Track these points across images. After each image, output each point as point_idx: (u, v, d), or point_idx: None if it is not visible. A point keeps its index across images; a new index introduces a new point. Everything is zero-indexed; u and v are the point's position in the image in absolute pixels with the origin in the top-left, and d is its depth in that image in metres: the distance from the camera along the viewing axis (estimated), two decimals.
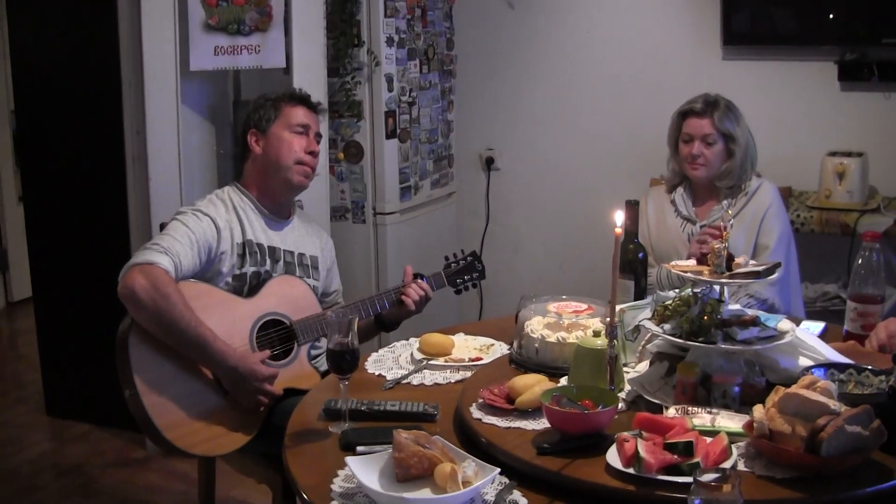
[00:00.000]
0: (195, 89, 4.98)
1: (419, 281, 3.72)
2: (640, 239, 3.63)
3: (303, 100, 3.73)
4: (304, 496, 2.36)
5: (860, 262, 3.25)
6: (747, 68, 5.57)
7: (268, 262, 3.60)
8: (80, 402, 5.68)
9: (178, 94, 4.77)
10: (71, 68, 5.39)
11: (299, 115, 3.67)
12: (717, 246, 2.73)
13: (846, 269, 5.03)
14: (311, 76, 5.09)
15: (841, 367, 2.69)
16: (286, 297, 3.55)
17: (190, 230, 3.40)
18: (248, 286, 3.54)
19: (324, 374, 3.52)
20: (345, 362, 2.72)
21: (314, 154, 3.69)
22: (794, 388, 2.32)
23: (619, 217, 2.63)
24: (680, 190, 4.32)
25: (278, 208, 3.72)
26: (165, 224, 3.52)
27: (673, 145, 4.32)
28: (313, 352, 3.61)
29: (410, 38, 5.69)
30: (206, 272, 3.46)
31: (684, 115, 4.25)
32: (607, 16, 6.02)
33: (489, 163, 6.41)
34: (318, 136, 3.76)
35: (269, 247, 3.63)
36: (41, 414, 5.83)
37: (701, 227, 4.12)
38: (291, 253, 3.70)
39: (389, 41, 5.47)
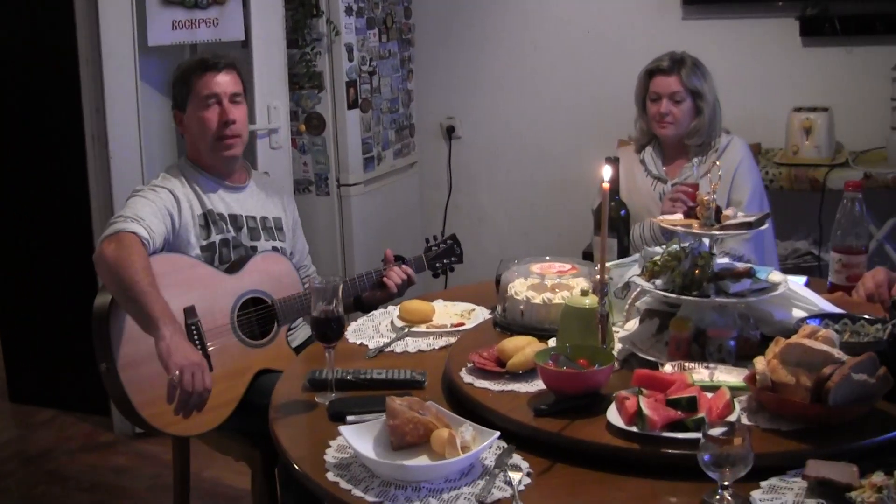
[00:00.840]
0: (153, 65, 4.88)
1: (403, 266, 3.66)
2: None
3: (206, 65, 3.55)
4: (297, 468, 2.29)
5: (842, 213, 3.21)
6: (708, 27, 5.54)
7: (231, 229, 3.54)
8: (44, 388, 5.59)
9: (137, 71, 4.70)
10: (26, 46, 5.27)
11: (207, 83, 3.52)
12: (706, 198, 2.68)
13: (817, 225, 5.02)
14: (270, 48, 5.03)
15: (835, 318, 2.65)
16: (269, 275, 3.48)
17: (151, 201, 3.35)
18: (219, 255, 3.49)
19: (297, 351, 3.47)
20: (330, 330, 2.66)
21: (230, 122, 3.53)
22: (795, 338, 2.28)
23: (607, 172, 2.56)
24: (649, 149, 4.28)
25: (229, 175, 3.64)
26: None
27: (640, 104, 4.28)
28: (289, 332, 3.55)
29: (368, 7, 5.61)
30: (176, 244, 3.40)
31: (651, 73, 4.21)
32: None
33: (450, 132, 6.35)
34: (236, 95, 3.57)
35: (229, 215, 3.56)
36: (4, 400, 5.71)
37: (672, 185, 4.08)
38: (254, 218, 3.63)
39: (348, 10, 5.38)
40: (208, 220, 3.49)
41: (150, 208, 3.31)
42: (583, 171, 5.24)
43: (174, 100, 3.60)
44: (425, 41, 6.32)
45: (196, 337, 3.18)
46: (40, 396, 5.60)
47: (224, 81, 3.55)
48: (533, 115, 6.16)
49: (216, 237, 3.49)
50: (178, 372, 2.86)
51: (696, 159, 4.09)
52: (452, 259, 3.84)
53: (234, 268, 3.44)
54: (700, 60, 4.20)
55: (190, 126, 3.57)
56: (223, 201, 3.57)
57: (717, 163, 3.70)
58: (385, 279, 3.61)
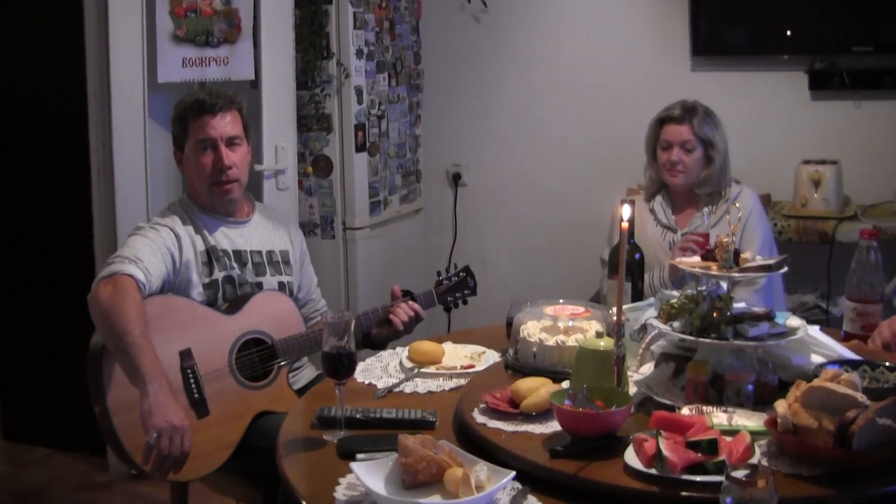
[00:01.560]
0: (161, 102, 4.85)
1: (410, 302, 3.58)
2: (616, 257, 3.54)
3: (202, 107, 3.46)
4: None
5: (857, 261, 3.19)
6: (717, 79, 5.53)
7: (235, 266, 3.49)
8: (40, 426, 5.52)
9: (146, 106, 4.68)
10: (36, 79, 5.28)
11: (203, 127, 3.44)
12: (725, 240, 2.65)
13: (825, 278, 4.99)
14: (279, 89, 5.01)
15: (854, 364, 2.61)
16: (270, 314, 3.42)
17: (150, 240, 3.30)
18: (222, 292, 3.43)
19: (300, 393, 3.41)
20: (341, 365, 2.62)
21: (226, 168, 3.46)
22: (818, 382, 2.24)
23: (626, 211, 2.53)
24: (658, 198, 4.26)
25: (229, 212, 3.58)
26: None
27: (651, 153, 4.26)
28: (291, 372, 3.50)
29: (379, 51, 5.60)
30: (178, 283, 3.35)
31: (662, 121, 4.20)
32: (575, 28, 5.97)
33: (456, 178, 6.33)
34: (235, 138, 3.50)
35: (233, 251, 3.51)
36: None
37: (682, 234, 4.06)
38: (259, 252, 3.58)
39: (359, 53, 5.37)
40: (211, 256, 3.44)
41: (149, 248, 3.26)
42: (590, 220, 5.26)
43: (173, 139, 3.56)
44: (434, 87, 6.32)
45: (192, 381, 3.14)
46: (35, 435, 5.54)
47: (221, 125, 3.47)
48: (540, 164, 6.15)
49: (219, 274, 3.44)
50: (155, 434, 2.80)
51: (706, 209, 4.08)
52: (465, 292, 3.74)
53: (233, 308, 3.38)
54: (711, 109, 4.18)
55: (187, 167, 3.53)
56: (226, 237, 3.52)
57: (737, 204, 3.67)
58: (391, 315, 3.54)
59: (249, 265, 3.53)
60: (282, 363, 3.35)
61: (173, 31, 4.62)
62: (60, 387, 5.28)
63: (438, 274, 3.77)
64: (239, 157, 3.51)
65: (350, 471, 2.26)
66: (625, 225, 2.52)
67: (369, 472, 2.24)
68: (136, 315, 3.01)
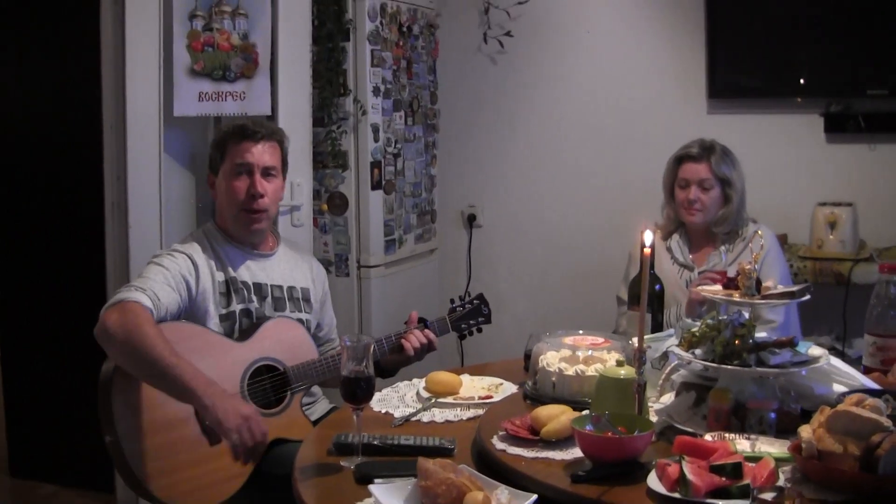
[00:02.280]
0: (176, 136, 4.86)
1: (424, 330, 3.55)
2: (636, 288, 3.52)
3: (244, 132, 3.47)
4: None
5: (877, 295, 3.16)
6: (732, 121, 5.54)
7: (255, 299, 3.46)
8: (47, 462, 5.47)
9: (161, 140, 4.66)
10: (52, 112, 5.27)
11: (241, 152, 3.45)
12: (747, 267, 2.64)
13: (840, 321, 4.96)
14: (296, 124, 5.00)
15: (877, 394, 2.58)
16: (281, 342, 3.40)
17: (165, 268, 3.27)
18: (238, 325, 3.41)
19: (315, 423, 3.38)
20: (360, 390, 2.60)
21: (258, 196, 3.45)
22: (842, 407, 2.22)
23: (649, 237, 2.52)
24: (676, 237, 4.26)
25: (254, 244, 3.56)
26: None
27: (668, 191, 4.26)
28: (306, 399, 3.47)
29: (396, 89, 5.62)
30: (193, 313, 3.32)
31: (680, 160, 4.20)
32: (591, 70, 6.00)
33: (471, 220, 6.33)
34: (271, 169, 3.49)
35: (254, 283, 3.48)
36: (4, 475, 5.58)
37: (700, 273, 4.04)
38: (280, 287, 3.55)
39: (376, 91, 5.39)
40: (230, 287, 3.41)
41: (162, 276, 3.23)
42: (606, 261, 5.23)
43: (210, 161, 3.54)
44: (450, 127, 6.34)
45: None
46: (42, 471, 5.48)
47: (259, 152, 3.46)
48: (555, 205, 6.16)
49: (237, 306, 3.41)
50: (236, 436, 2.93)
51: (723, 247, 4.08)
52: (480, 320, 3.72)
53: (245, 335, 3.36)
54: (729, 148, 4.18)
55: (219, 191, 3.51)
56: (248, 269, 3.50)
57: (759, 232, 3.65)
58: (404, 340, 3.50)
59: (269, 299, 3.50)
60: (295, 390, 3.32)
61: (190, 66, 4.62)
62: (67, 423, 5.24)
63: (452, 301, 3.75)
64: (272, 188, 3.49)
65: (368, 495, 2.25)
66: (647, 251, 2.50)
67: (389, 495, 2.22)
68: (156, 336, 3.00)
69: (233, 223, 3.50)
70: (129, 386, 3.04)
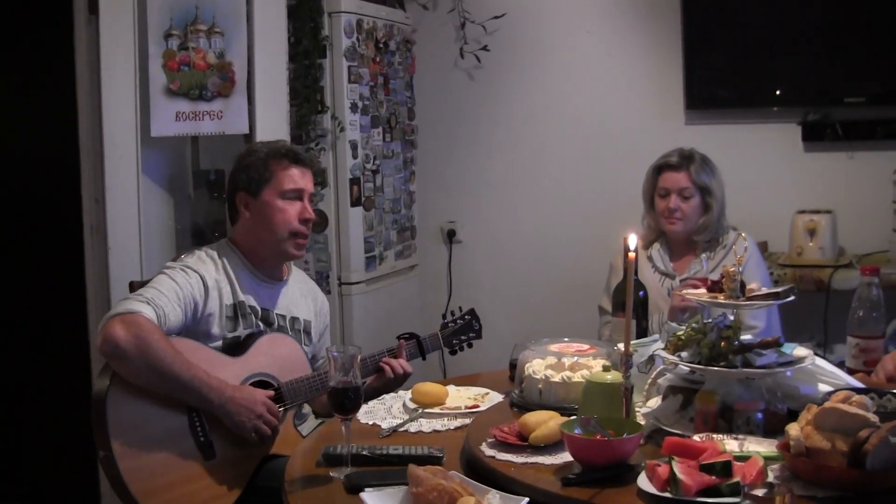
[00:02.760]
0: (153, 158, 4.81)
1: (402, 361, 3.52)
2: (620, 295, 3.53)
3: (296, 158, 3.47)
4: None
5: (859, 298, 3.19)
6: (711, 132, 5.56)
7: (261, 325, 3.43)
8: (34, 490, 5.41)
9: (139, 162, 4.62)
10: (27, 134, 5.23)
11: (293, 178, 3.44)
12: (731, 269, 2.65)
13: (821, 327, 4.98)
14: None
15: (862, 392, 2.60)
16: (276, 358, 3.37)
17: (177, 285, 3.23)
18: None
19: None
20: (348, 400, 2.59)
21: (310, 220, 3.49)
22: (829, 404, 2.23)
23: (633, 240, 2.53)
24: (657, 246, 4.27)
25: (271, 270, 3.54)
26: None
27: (648, 201, 4.28)
28: (296, 420, 3.46)
29: (374, 106, 5.62)
30: (194, 333, 3.28)
31: (660, 169, 4.22)
32: (568, 85, 6.02)
33: (451, 235, 6.33)
34: (313, 196, 3.55)
35: (261, 308, 3.45)
36: None
37: (681, 280, 4.06)
38: (283, 317, 3.52)
39: (353, 107, 5.39)
40: (237, 311, 3.38)
41: (173, 293, 3.19)
42: (587, 275, 5.23)
43: (243, 182, 3.46)
44: (428, 143, 6.34)
45: (198, 424, 3.11)
46: (29, 499, 5.42)
47: (306, 179, 3.48)
48: (535, 219, 6.17)
49: (243, 332, 3.38)
50: (254, 434, 3.09)
51: (704, 255, 4.09)
52: (471, 335, 3.76)
53: (238, 350, 3.33)
54: (708, 157, 4.20)
55: (260, 214, 3.44)
56: (257, 295, 3.46)
57: (742, 235, 3.67)
58: (384, 363, 3.48)
59: (275, 326, 3.48)
60: (288, 406, 3.31)
61: (167, 85, 4.59)
62: (54, 449, 5.20)
63: (444, 317, 3.77)
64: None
65: (362, 501, 2.23)
66: (632, 255, 2.51)
67: (380, 503, 2.21)
68: (170, 350, 3.02)
69: (271, 247, 3.47)
70: (125, 401, 3.02)
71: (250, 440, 3.10)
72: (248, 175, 3.45)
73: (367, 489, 2.39)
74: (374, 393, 3.45)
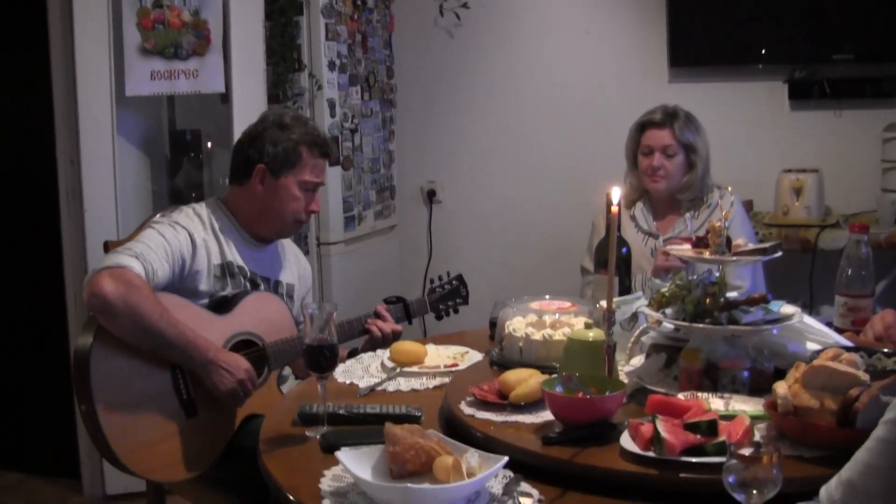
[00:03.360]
0: (129, 118, 4.77)
1: (390, 323, 3.52)
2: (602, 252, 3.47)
3: (326, 152, 3.45)
4: (291, 497, 2.15)
5: (847, 256, 3.12)
6: (695, 90, 5.49)
7: (248, 286, 3.38)
8: (12, 451, 5.36)
9: (114, 123, 4.59)
10: (0, 96, 5.16)
11: (318, 171, 3.42)
12: (717, 224, 2.59)
13: (807, 288, 4.94)
14: (251, 102, 4.88)
15: (852, 351, 2.54)
16: (261, 317, 3.32)
17: (165, 240, 3.16)
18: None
19: None
20: (323, 358, 2.53)
21: (315, 213, 3.54)
22: (818, 362, 2.17)
23: (617, 193, 2.45)
24: (639, 205, 4.22)
25: (259, 235, 3.48)
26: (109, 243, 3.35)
27: (631, 159, 4.22)
28: (280, 380, 3.41)
29: (352, 64, 5.54)
30: (181, 290, 3.21)
31: (643, 126, 4.16)
32: (550, 42, 5.94)
33: (431, 195, 6.26)
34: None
35: (249, 270, 3.40)
36: None
37: (665, 240, 4.00)
38: (268, 280, 3.48)
39: (331, 65, 5.31)
40: (226, 271, 3.32)
41: (162, 248, 3.13)
42: (568, 234, 5.17)
43: (268, 156, 3.36)
44: (407, 102, 6.26)
45: (181, 381, 3.06)
46: (7, 460, 5.37)
47: (326, 172, 3.51)
48: (516, 179, 6.09)
49: (231, 292, 3.32)
50: (242, 394, 3.07)
51: (688, 214, 4.04)
52: (458, 301, 3.74)
53: (224, 308, 3.27)
54: (693, 115, 4.13)
55: (274, 194, 3.38)
56: (242, 256, 3.40)
57: (729, 188, 3.61)
58: (370, 325, 3.47)
59: (261, 289, 3.43)
60: (272, 366, 3.26)
61: (141, 44, 4.52)
62: (33, 410, 5.16)
63: (431, 282, 3.75)
64: None
65: (335, 463, 2.17)
66: (615, 209, 2.44)
67: (356, 461, 2.15)
68: (157, 306, 2.97)
69: (272, 225, 3.45)
70: (108, 357, 2.97)
71: (223, 401, 3.07)
72: (276, 151, 3.36)
73: (343, 448, 2.33)
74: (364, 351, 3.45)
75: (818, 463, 2.06)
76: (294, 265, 3.65)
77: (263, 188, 3.38)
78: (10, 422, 5.35)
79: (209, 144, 5.13)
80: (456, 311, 3.74)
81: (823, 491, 1.78)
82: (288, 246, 3.69)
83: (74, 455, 4.85)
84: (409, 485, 2.01)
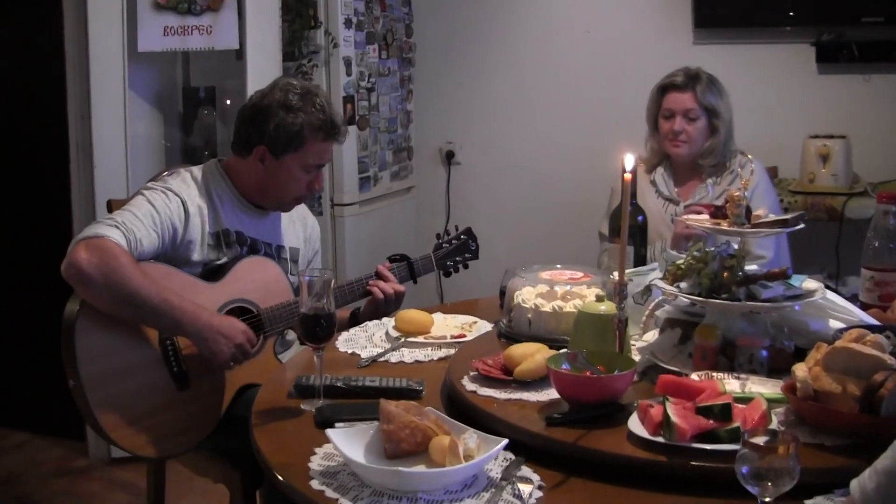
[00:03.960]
0: (142, 74, 4.73)
1: (391, 283, 3.38)
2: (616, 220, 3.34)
3: (332, 133, 3.25)
4: (279, 476, 2.04)
5: (875, 227, 2.98)
6: (720, 52, 5.36)
7: (246, 251, 3.27)
8: (17, 410, 5.34)
9: (126, 78, 4.51)
10: (11, 49, 5.09)
11: (321, 154, 3.26)
12: (736, 194, 2.45)
13: (833, 258, 4.82)
14: (265, 60, 4.83)
15: (877, 331, 2.40)
16: (256, 282, 3.19)
17: (154, 208, 3.04)
18: None
19: None
20: (320, 328, 2.42)
21: (318, 192, 3.45)
22: (841, 343, 2.04)
23: (630, 161, 2.33)
24: (660, 170, 4.11)
25: (260, 206, 3.36)
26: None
27: (652, 122, 4.11)
28: (279, 348, 3.29)
29: (369, 22, 5.46)
30: (174, 259, 3.11)
31: (664, 89, 4.05)
32: (572, 2, 5.84)
33: (449, 157, 6.17)
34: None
35: (249, 236, 3.29)
36: None
37: (685, 206, 3.87)
38: (269, 245, 3.36)
39: (347, 23, 5.24)
40: (221, 240, 3.21)
41: (149, 217, 3.01)
42: (588, 199, 5.07)
43: (268, 136, 3.20)
44: (426, 62, 6.18)
45: (171, 354, 2.98)
46: (13, 419, 5.35)
47: (331, 152, 3.35)
48: (536, 141, 6.00)
49: (225, 260, 3.21)
50: (232, 363, 2.96)
51: (710, 180, 3.93)
52: (466, 255, 3.60)
53: (216, 275, 3.15)
54: (715, 77, 4.00)
55: (274, 173, 3.24)
56: (241, 223, 3.29)
57: (749, 156, 3.48)
58: (371, 286, 3.35)
59: (262, 254, 3.32)
60: (268, 333, 3.15)
61: None
62: (38, 370, 5.07)
63: (438, 237, 3.60)
64: None
65: (327, 441, 2.06)
66: (627, 176, 2.32)
67: (347, 440, 2.04)
68: (137, 274, 2.84)
69: (272, 199, 3.32)
70: (94, 328, 2.88)
71: (223, 369, 2.98)
72: (277, 133, 3.20)
73: (337, 424, 2.23)
74: (370, 319, 3.33)
75: (839, 452, 1.95)
76: (300, 228, 3.53)
77: (263, 166, 3.25)
78: (16, 381, 5.32)
79: (228, 102, 5.07)
80: (465, 267, 3.61)
81: (855, 483, 1.67)
82: (295, 210, 3.53)
83: (80, 417, 4.78)
84: (400, 468, 1.91)
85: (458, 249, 3.59)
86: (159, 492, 3.50)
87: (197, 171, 3.30)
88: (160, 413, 2.93)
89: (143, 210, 3.03)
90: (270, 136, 3.19)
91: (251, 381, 3.05)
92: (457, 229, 3.64)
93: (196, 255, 3.15)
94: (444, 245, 3.56)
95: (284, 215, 3.46)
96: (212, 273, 3.17)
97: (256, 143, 3.22)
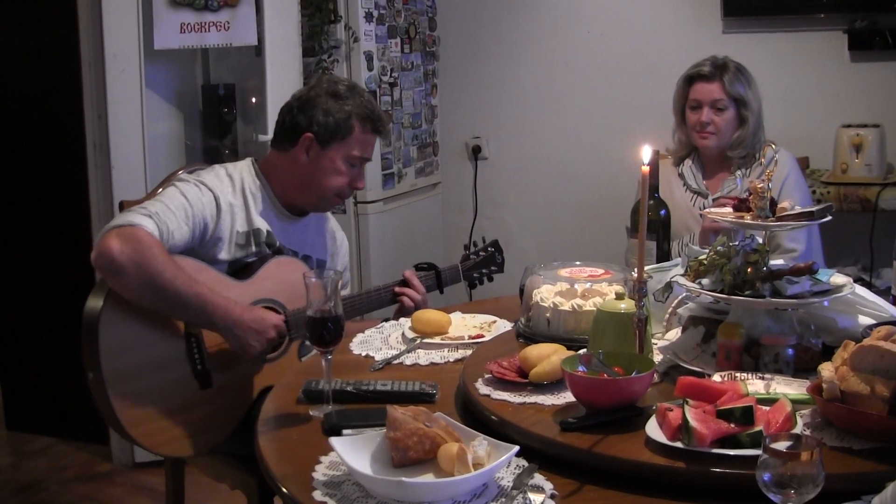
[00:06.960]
0: (160, 72, 4.69)
1: (418, 288, 3.36)
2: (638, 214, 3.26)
3: (379, 128, 3.25)
4: (282, 487, 1.97)
5: None
6: (750, 41, 5.31)
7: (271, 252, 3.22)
8: (42, 415, 5.33)
9: (143, 76, 4.48)
10: (27, 48, 5.06)
11: (367, 146, 3.24)
12: (759, 186, 2.36)
13: (867, 249, 4.73)
14: (284, 55, 4.78)
15: None
16: (283, 283, 3.13)
17: (187, 201, 2.99)
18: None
19: None
20: (327, 331, 2.35)
21: (358, 189, 3.40)
22: (869, 342, 1.94)
23: (647, 153, 2.24)
24: (688, 162, 4.03)
25: (293, 207, 3.30)
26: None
27: (679, 113, 4.02)
28: (303, 350, 3.22)
29: (391, 15, 5.42)
30: (200, 256, 3.05)
31: (691, 79, 3.96)
32: None
33: (476, 151, 6.11)
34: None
35: (278, 240, 3.23)
36: (0, 428, 5.46)
37: (714, 199, 3.77)
38: (296, 253, 3.30)
39: (368, 17, 5.20)
40: (250, 239, 3.15)
41: (182, 209, 2.96)
42: (616, 195, 5.00)
43: (317, 124, 3.17)
44: (451, 55, 6.13)
45: (195, 351, 2.92)
46: (37, 424, 5.35)
47: (374, 147, 3.33)
48: (563, 135, 5.95)
49: (253, 259, 3.16)
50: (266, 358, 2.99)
51: (739, 172, 3.84)
52: (492, 268, 3.58)
53: (244, 273, 3.10)
54: (744, 66, 3.90)
55: (318, 164, 3.19)
56: (271, 225, 3.23)
57: (773, 146, 3.38)
58: (401, 295, 3.33)
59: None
60: (294, 336, 3.07)
61: None
62: (62, 375, 5.05)
63: (466, 248, 3.58)
64: None
65: (332, 447, 1.98)
66: (645, 169, 2.22)
67: (352, 448, 1.96)
68: (171, 265, 2.81)
69: (311, 198, 3.27)
70: (118, 323, 2.82)
71: (254, 363, 2.98)
72: (326, 121, 3.17)
73: (344, 431, 2.16)
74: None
75: (867, 456, 1.86)
76: (329, 240, 3.50)
77: (308, 158, 3.19)
78: (39, 386, 5.30)
79: (253, 100, 5.01)
80: (490, 280, 3.58)
81: (877, 501, 1.58)
82: (325, 219, 3.51)
83: (104, 421, 4.75)
84: (403, 479, 1.82)
85: (485, 262, 3.57)
86: (178, 497, 3.46)
87: (232, 167, 3.25)
88: (181, 412, 2.89)
89: (176, 202, 2.97)
90: (320, 122, 3.17)
91: (274, 383, 2.97)
92: (484, 240, 3.62)
93: (222, 255, 3.09)
94: (471, 256, 3.55)
95: (313, 225, 3.41)
96: (239, 271, 3.13)
97: (304, 132, 3.18)
